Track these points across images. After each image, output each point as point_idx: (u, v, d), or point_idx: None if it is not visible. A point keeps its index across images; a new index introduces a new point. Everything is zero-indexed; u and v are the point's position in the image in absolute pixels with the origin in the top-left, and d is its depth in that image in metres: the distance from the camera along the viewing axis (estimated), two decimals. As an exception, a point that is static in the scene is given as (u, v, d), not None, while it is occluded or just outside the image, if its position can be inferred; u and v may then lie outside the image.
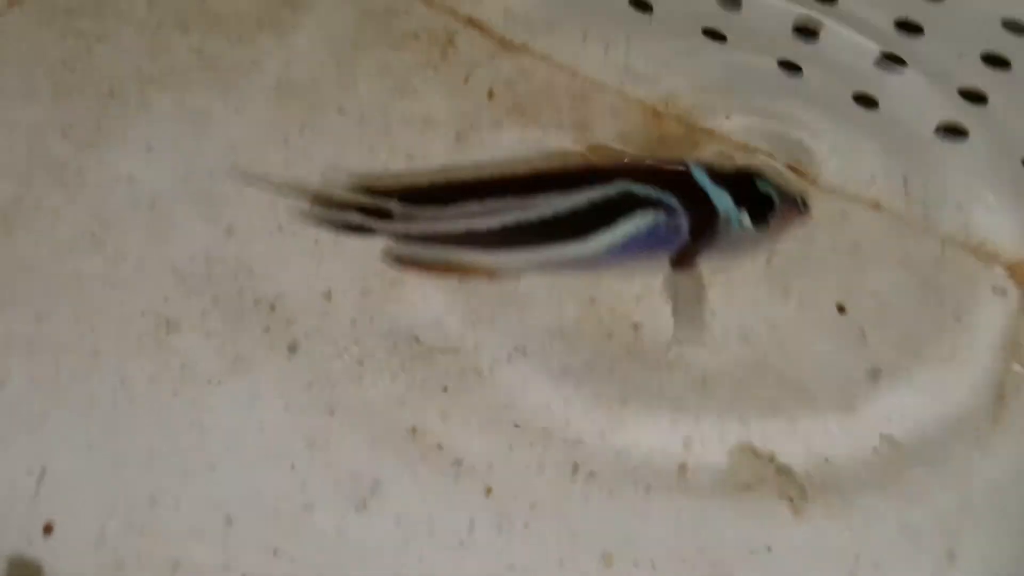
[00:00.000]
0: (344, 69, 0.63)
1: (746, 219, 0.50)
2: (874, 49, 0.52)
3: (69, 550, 0.53)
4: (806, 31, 0.53)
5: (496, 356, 0.56)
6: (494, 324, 0.57)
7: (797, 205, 0.51)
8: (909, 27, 0.50)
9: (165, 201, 0.60)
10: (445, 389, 0.55)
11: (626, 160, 0.53)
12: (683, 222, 0.50)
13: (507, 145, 0.60)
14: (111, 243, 0.59)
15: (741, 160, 0.57)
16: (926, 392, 0.54)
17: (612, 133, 0.59)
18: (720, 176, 0.51)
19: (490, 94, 0.61)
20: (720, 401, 0.54)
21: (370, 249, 0.58)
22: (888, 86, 0.53)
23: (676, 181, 0.51)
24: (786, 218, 0.51)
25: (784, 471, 0.53)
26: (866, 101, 0.55)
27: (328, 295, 0.58)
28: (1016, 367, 0.53)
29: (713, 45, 0.57)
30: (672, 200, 0.50)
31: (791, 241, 0.55)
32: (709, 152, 0.59)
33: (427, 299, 0.57)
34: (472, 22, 0.63)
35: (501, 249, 0.53)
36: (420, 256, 0.55)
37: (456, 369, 0.56)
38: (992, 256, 0.56)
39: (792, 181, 0.56)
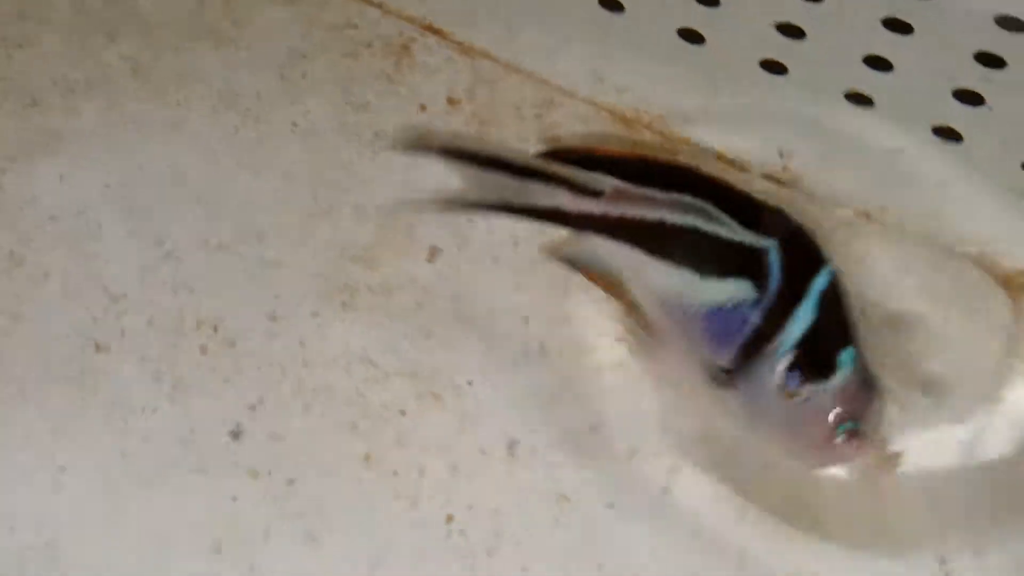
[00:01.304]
0: (290, 80, 0.61)
1: (784, 363, 0.40)
2: (863, 46, 0.51)
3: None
4: (792, 29, 0.52)
5: (457, 379, 0.54)
6: (455, 345, 0.54)
7: (840, 413, 0.40)
8: (898, 25, 0.49)
9: (93, 216, 0.57)
10: (403, 413, 0.53)
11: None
12: (753, 319, 0.42)
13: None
14: (32, 261, 0.56)
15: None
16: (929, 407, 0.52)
17: (580, 142, 0.58)
18: (833, 302, 0.42)
19: (449, 103, 0.60)
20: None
21: (319, 268, 0.56)
22: (878, 85, 0.52)
23: (798, 269, 0.42)
24: (813, 416, 0.40)
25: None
26: (856, 99, 0.54)
27: (273, 316, 0.55)
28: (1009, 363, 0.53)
29: (689, 47, 0.56)
30: (773, 288, 0.42)
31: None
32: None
33: (381, 321, 0.55)
34: (430, 28, 0.62)
35: (660, 258, 0.46)
36: (594, 264, 0.49)
37: (414, 393, 0.53)
38: (990, 266, 0.55)
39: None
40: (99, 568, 0.50)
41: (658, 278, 0.47)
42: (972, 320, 0.54)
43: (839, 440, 0.39)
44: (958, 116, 0.52)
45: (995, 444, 0.52)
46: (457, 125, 0.59)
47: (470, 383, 0.54)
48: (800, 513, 0.51)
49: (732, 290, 0.43)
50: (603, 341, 0.54)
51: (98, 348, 0.54)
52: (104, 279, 0.55)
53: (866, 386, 0.40)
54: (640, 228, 0.47)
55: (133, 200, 0.58)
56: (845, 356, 0.40)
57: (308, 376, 0.53)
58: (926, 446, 0.51)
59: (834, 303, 0.41)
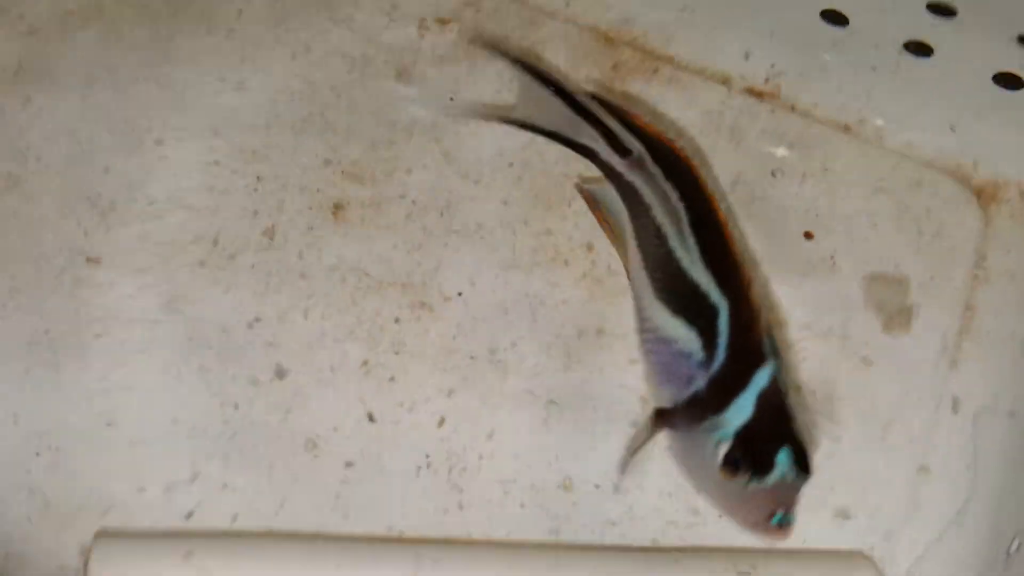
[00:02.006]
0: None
1: (723, 449, 0.42)
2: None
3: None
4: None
5: (446, 288, 0.56)
6: (444, 255, 0.57)
7: (775, 508, 0.42)
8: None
9: (86, 136, 0.59)
10: (397, 321, 0.55)
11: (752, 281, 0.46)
12: (699, 381, 0.44)
13: (452, 79, 0.60)
14: (28, 179, 0.58)
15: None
16: (898, 315, 0.55)
17: (563, 61, 0.60)
18: (771, 401, 0.42)
19: (437, 23, 0.61)
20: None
21: (312, 183, 0.58)
22: (853, 1, 0.54)
23: (745, 351, 0.43)
24: (752, 505, 0.42)
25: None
26: (833, 17, 0.56)
27: (271, 230, 0.57)
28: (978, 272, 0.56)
29: (668, -35, 0.58)
30: (720, 360, 0.43)
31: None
32: (663, 78, 0.59)
33: (375, 233, 0.57)
34: (412, -53, 0.63)
35: (640, 249, 0.49)
36: (607, 208, 0.52)
37: (407, 302, 0.56)
38: (962, 177, 0.57)
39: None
40: (99, 471, 0.52)
41: (635, 262, 0.50)
42: (945, 230, 0.57)
43: (771, 526, 0.41)
44: (930, 29, 0.53)
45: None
46: (446, 45, 0.61)
47: (460, 294, 0.56)
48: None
49: (680, 334, 0.45)
50: (584, 253, 0.56)
51: (89, 261, 0.56)
52: (96, 196, 0.57)
53: (798, 481, 0.42)
54: (636, 207, 0.50)
55: (126, 121, 0.59)
56: (782, 456, 0.41)
57: (306, 286, 0.56)
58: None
59: (773, 401, 0.42)
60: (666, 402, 0.45)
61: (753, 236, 0.57)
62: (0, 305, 0.54)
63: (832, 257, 0.56)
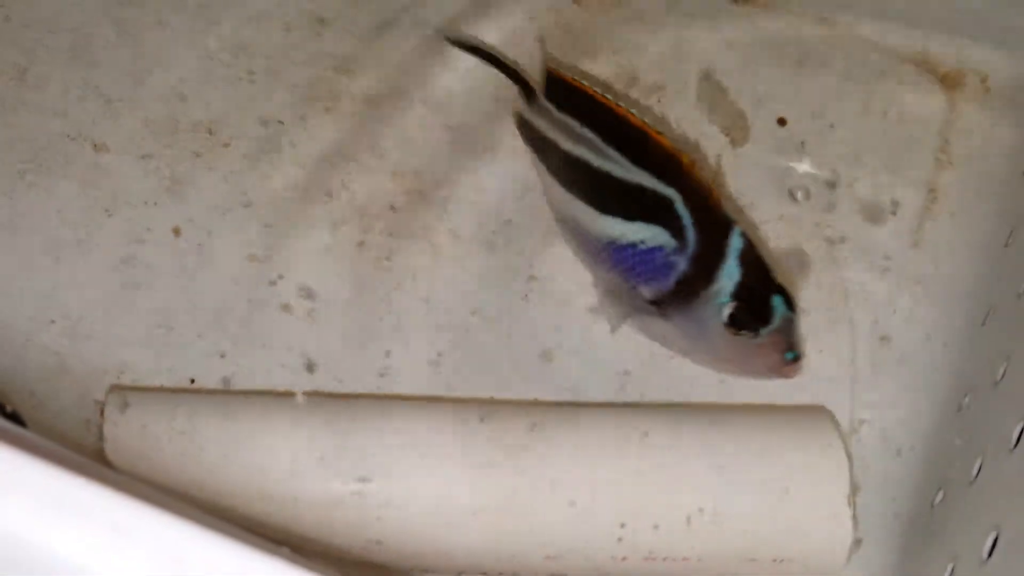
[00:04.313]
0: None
1: (727, 312, 0.47)
2: None
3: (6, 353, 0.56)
4: None
5: (437, 175, 0.60)
6: (436, 147, 0.61)
7: (785, 346, 0.48)
8: None
9: (88, 30, 0.63)
10: (392, 208, 0.60)
11: (693, 163, 0.50)
12: (680, 266, 0.49)
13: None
14: (34, 70, 0.62)
15: None
16: (863, 195, 0.60)
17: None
18: (750, 259, 0.48)
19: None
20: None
21: (304, 78, 0.62)
22: None
23: (712, 226, 0.48)
24: (765, 351, 0.48)
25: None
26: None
27: (265, 122, 0.61)
28: (941, 156, 0.60)
29: None
30: (693, 240, 0.48)
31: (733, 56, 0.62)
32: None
33: (366, 123, 0.61)
34: None
35: (561, 183, 0.53)
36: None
37: (399, 189, 0.60)
38: (931, 66, 0.62)
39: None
40: (109, 338, 0.56)
41: (559, 196, 0.53)
42: (910, 115, 0.61)
43: (786, 362, 0.48)
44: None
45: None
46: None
47: (449, 179, 0.60)
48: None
49: (646, 233, 0.49)
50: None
51: (96, 148, 0.60)
52: (101, 86, 0.62)
53: (794, 319, 0.48)
54: (546, 149, 0.54)
55: (123, 15, 0.63)
56: (777, 301, 0.47)
57: (298, 173, 0.60)
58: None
59: (753, 259, 0.48)
60: (650, 295, 0.50)
61: (726, 123, 0.61)
62: (10, 186, 0.59)
63: (803, 142, 0.61)
